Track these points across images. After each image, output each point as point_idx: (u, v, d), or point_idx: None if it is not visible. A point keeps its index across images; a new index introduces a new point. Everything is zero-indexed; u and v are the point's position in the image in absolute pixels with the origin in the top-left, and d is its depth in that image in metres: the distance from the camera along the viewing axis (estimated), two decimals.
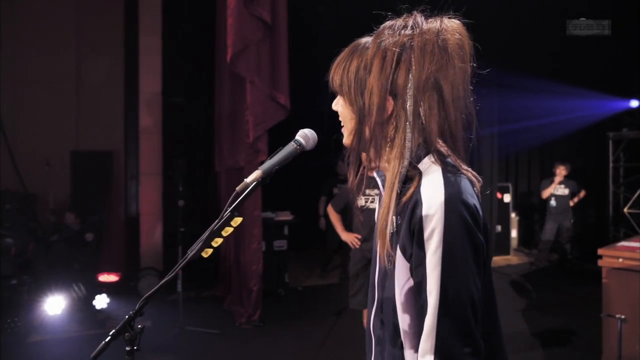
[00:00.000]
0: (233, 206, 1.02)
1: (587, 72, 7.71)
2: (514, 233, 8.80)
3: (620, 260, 3.55)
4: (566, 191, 7.26)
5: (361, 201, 3.59)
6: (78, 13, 6.58)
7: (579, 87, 7.59)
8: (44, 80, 6.30)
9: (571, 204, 7.37)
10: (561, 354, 4.16)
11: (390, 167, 1.01)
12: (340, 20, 6.49)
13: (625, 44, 6.74)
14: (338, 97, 1.09)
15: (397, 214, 1.01)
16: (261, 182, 1.05)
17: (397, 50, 0.98)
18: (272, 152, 1.12)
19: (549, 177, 7.55)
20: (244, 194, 1.03)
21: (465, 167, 1.01)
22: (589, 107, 8.07)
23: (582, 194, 7.52)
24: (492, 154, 7.70)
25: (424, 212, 0.93)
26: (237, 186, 1.04)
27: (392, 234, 1.01)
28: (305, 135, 1.15)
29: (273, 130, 4.79)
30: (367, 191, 3.51)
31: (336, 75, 1.07)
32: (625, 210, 7.65)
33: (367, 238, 3.57)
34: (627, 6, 6.01)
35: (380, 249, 1.03)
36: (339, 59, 1.08)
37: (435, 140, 0.99)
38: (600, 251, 3.68)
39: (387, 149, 1.03)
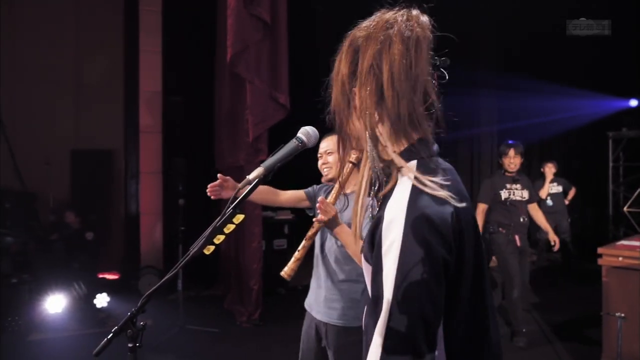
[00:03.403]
0: (235, 203, 1.02)
1: (586, 71, 7.71)
2: None
3: (620, 259, 3.56)
4: (559, 189, 7.12)
5: (505, 194, 4.36)
6: (78, 12, 6.57)
7: (578, 86, 7.60)
8: (44, 79, 6.29)
9: (566, 202, 7.28)
10: (561, 352, 4.16)
11: None
12: (340, 19, 6.49)
13: (625, 43, 6.75)
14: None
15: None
16: (263, 179, 1.05)
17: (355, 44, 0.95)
18: (272, 151, 1.12)
19: (538, 177, 7.49)
20: (247, 191, 1.03)
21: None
22: (588, 107, 8.07)
23: (573, 191, 7.39)
24: (492, 153, 7.71)
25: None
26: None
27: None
28: (307, 133, 1.15)
29: (273, 129, 4.79)
30: (508, 185, 4.37)
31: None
32: (625, 209, 7.65)
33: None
34: (627, 5, 6.02)
35: None
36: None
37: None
38: (600, 250, 3.69)
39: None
